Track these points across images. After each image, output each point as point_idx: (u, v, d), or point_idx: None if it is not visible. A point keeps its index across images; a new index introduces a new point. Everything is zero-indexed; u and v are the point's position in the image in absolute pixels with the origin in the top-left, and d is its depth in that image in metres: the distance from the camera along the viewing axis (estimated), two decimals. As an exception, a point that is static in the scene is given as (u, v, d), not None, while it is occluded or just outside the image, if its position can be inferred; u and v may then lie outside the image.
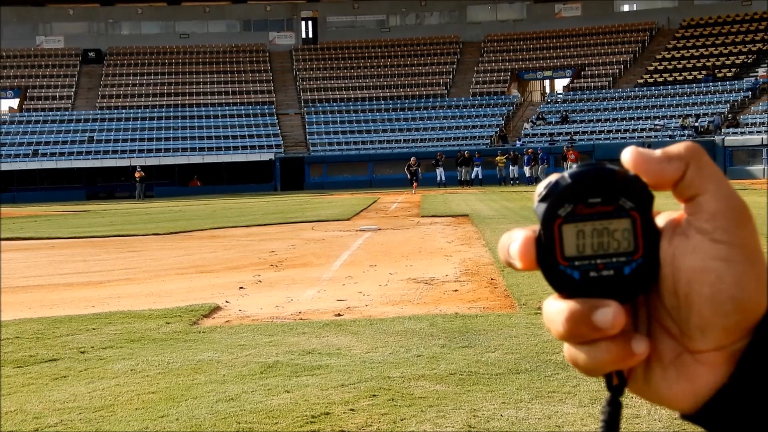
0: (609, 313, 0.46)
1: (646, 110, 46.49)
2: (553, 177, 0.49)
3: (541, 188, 0.49)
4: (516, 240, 0.49)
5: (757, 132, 39.40)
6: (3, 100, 53.83)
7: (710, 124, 42.90)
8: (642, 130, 44.19)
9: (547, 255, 0.48)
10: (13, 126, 49.45)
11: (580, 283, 0.48)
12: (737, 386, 0.46)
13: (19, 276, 11.39)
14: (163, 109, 51.74)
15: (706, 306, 0.46)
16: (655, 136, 42.04)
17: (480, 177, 40.89)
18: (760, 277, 0.46)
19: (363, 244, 13.87)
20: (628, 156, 0.48)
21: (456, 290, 8.77)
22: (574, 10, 55.79)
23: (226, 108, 52.01)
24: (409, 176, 36.86)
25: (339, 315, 7.57)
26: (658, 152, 0.48)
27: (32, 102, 52.69)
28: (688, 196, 0.47)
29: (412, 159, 37.69)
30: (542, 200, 0.48)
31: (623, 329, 0.47)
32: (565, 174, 0.48)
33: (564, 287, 0.48)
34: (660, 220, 0.49)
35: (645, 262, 0.48)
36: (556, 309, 0.48)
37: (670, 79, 49.25)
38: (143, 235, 17.63)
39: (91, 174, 45.38)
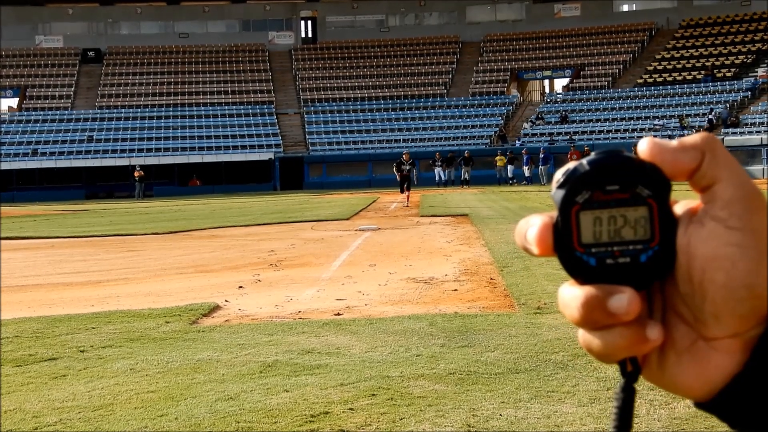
0: (624, 300, 0.46)
1: (646, 110, 46.50)
2: (572, 164, 0.49)
3: (559, 175, 0.49)
4: (533, 226, 0.49)
5: (757, 132, 39.42)
6: (2, 100, 53.82)
7: (719, 117, 43.02)
8: (641, 130, 44.20)
9: (563, 241, 0.48)
10: (13, 125, 49.42)
11: (596, 270, 0.48)
12: (752, 374, 0.46)
13: (19, 275, 11.39)
14: (163, 109, 51.72)
15: (720, 293, 0.46)
16: (654, 137, 41.95)
17: (443, 179, 40.97)
18: None
19: (362, 244, 13.88)
20: (644, 146, 0.48)
21: (455, 290, 8.77)
22: (573, 10, 55.78)
23: (226, 108, 51.99)
24: (398, 177, 26.33)
25: (338, 314, 7.57)
26: (674, 142, 0.48)
27: (31, 101, 52.68)
28: (704, 185, 0.47)
29: (404, 154, 27.62)
30: (560, 187, 0.48)
31: (638, 316, 0.47)
32: (584, 161, 0.48)
33: (580, 273, 0.48)
34: (677, 209, 0.49)
35: (661, 249, 0.48)
36: (572, 295, 0.48)
37: (670, 79, 49.26)
38: (142, 234, 17.63)
39: (90, 173, 45.36)
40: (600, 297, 0.47)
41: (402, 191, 25.82)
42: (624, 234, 0.48)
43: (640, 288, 0.47)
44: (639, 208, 0.48)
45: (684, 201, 0.49)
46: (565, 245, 0.48)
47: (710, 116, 43.24)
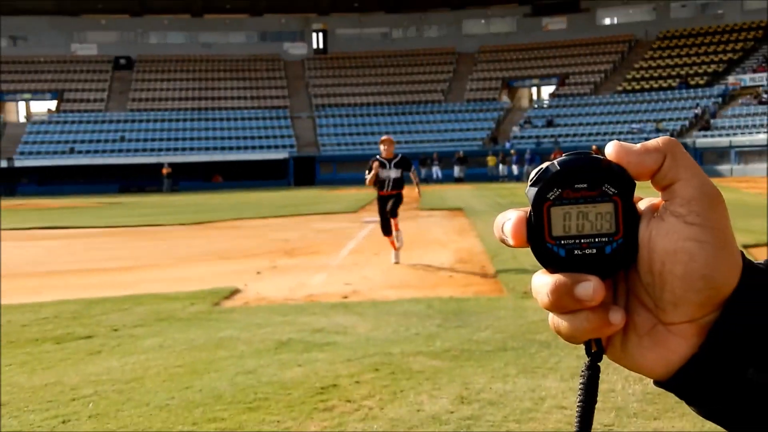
0: (589, 287, 0.46)
1: (625, 115, 46.35)
2: (544, 164, 0.49)
3: (533, 174, 0.49)
4: (509, 220, 0.49)
5: (726, 135, 39.30)
6: (42, 102, 53.80)
7: (707, 112, 43.09)
8: (621, 133, 44.06)
9: (536, 234, 0.48)
10: (51, 126, 49.43)
11: (565, 260, 0.48)
12: (706, 356, 0.46)
13: (59, 261, 11.43)
14: (188, 112, 51.67)
15: (679, 283, 0.46)
16: (633, 139, 41.92)
17: (440, 177, 41.08)
18: (730, 257, 0.46)
19: (367, 235, 13.89)
20: (611, 149, 0.48)
21: (451, 276, 8.79)
22: (560, 24, 55.56)
23: (245, 112, 51.93)
24: (378, 195, 10.30)
25: (346, 297, 7.59)
26: (638, 146, 0.48)
27: (68, 104, 52.64)
28: (665, 184, 0.47)
29: (383, 144, 10.16)
30: (533, 185, 0.49)
31: (602, 302, 0.47)
32: (555, 161, 0.49)
33: (550, 263, 0.48)
34: (640, 206, 0.49)
35: (625, 242, 0.47)
36: (543, 282, 0.48)
37: (647, 86, 49.04)
38: (170, 225, 17.65)
39: (123, 170, 45.36)
40: (568, 284, 0.46)
41: (386, 231, 10.30)
42: (591, 228, 0.48)
43: (604, 277, 0.47)
44: (605, 204, 0.48)
45: (646, 198, 0.50)
46: (537, 237, 0.48)
47: (696, 111, 43.33)
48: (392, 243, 10.15)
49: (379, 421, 3.94)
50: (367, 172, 10.05)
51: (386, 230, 10.21)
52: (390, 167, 10.05)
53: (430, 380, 4.60)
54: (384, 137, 10.13)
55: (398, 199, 10.25)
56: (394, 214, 10.12)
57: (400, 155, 10.14)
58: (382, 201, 10.23)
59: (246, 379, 4.74)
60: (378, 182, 10.07)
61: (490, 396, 4.27)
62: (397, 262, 9.91)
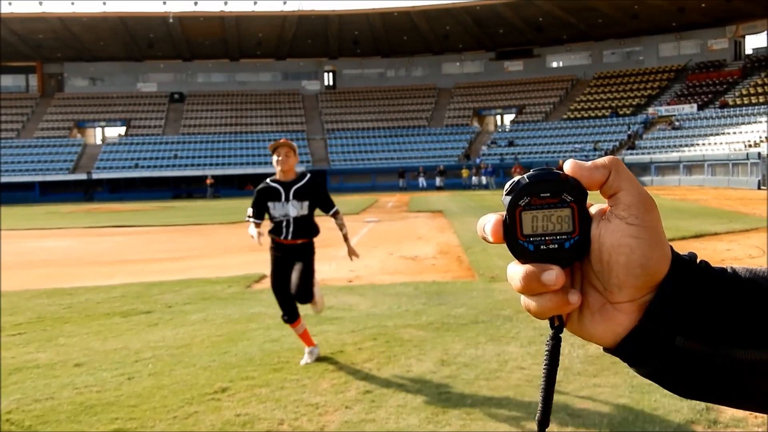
0: (553, 275, 0.46)
1: (569, 137, 46.38)
2: (516, 178, 0.49)
3: (507, 186, 0.49)
4: (489, 221, 0.49)
5: (647, 153, 39.44)
6: (114, 128, 53.73)
7: (634, 135, 42.84)
8: (566, 152, 44.08)
9: (510, 233, 0.48)
10: (121, 146, 49.29)
11: (533, 253, 0.48)
12: (644, 327, 0.46)
13: (126, 252, 11.38)
14: (227, 135, 51.55)
15: (622, 270, 0.46)
16: (575, 156, 41.91)
17: (425, 185, 41.19)
18: (662, 250, 0.46)
19: (368, 232, 13.86)
20: (568, 166, 0.48)
21: (433, 264, 8.76)
22: (517, 66, 55.62)
23: (271, 134, 51.77)
24: (280, 242, 4.40)
25: (350, 281, 7.56)
26: (589, 163, 0.48)
27: (134, 129, 52.52)
28: (611, 193, 0.47)
29: (277, 149, 4.43)
30: (508, 194, 0.49)
31: (563, 286, 0.47)
32: (525, 176, 0.49)
33: (522, 256, 0.48)
34: (592, 210, 0.49)
35: (580, 239, 0.47)
36: (516, 271, 0.48)
37: (586, 115, 49.11)
38: (212, 224, 17.60)
39: (175, 181, 45.26)
40: (536, 272, 0.47)
41: (289, 314, 4.31)
42: (553, 228, 0.48)
43: (564, 266, 0.47)
44: (564, 209, 0.48)
45: (596, 204, 0.50)
46: (511, 236, 0.48)
47: (629, 133, 43.59)
48: (305, 337, 4.37)
49: (377, 379, 3.90)
50: (248, 217, 4.68)
51: (289, 311, 4.38)
52: (288, 198, 4.49)
53: (417, 347, 4.57)
54: (281, 140, 4.54)
55: (309, 262, 4.56)
56: (307, 299, 4.36)
57: (308, 177, 4.62)
58: (279, 255, 4.52)
59: (272, 346, 4.70)
60: (272, 223, 4.54)
61: (464, 359, 4.24)
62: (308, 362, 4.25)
